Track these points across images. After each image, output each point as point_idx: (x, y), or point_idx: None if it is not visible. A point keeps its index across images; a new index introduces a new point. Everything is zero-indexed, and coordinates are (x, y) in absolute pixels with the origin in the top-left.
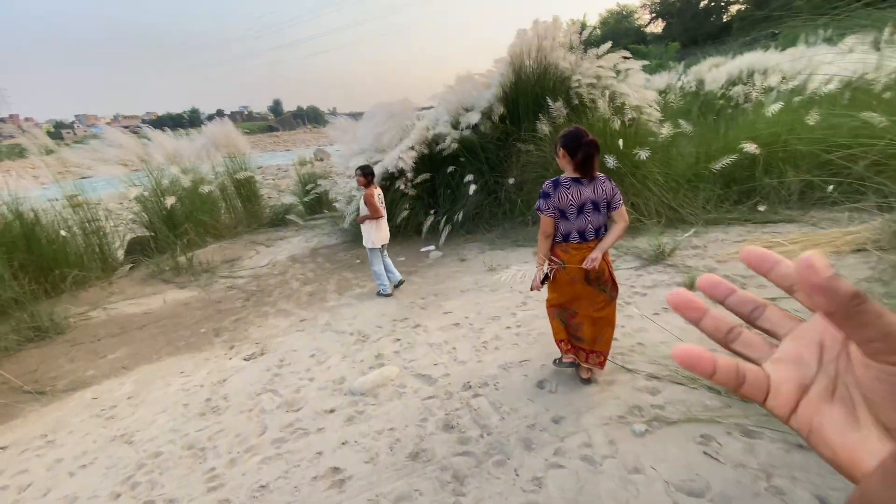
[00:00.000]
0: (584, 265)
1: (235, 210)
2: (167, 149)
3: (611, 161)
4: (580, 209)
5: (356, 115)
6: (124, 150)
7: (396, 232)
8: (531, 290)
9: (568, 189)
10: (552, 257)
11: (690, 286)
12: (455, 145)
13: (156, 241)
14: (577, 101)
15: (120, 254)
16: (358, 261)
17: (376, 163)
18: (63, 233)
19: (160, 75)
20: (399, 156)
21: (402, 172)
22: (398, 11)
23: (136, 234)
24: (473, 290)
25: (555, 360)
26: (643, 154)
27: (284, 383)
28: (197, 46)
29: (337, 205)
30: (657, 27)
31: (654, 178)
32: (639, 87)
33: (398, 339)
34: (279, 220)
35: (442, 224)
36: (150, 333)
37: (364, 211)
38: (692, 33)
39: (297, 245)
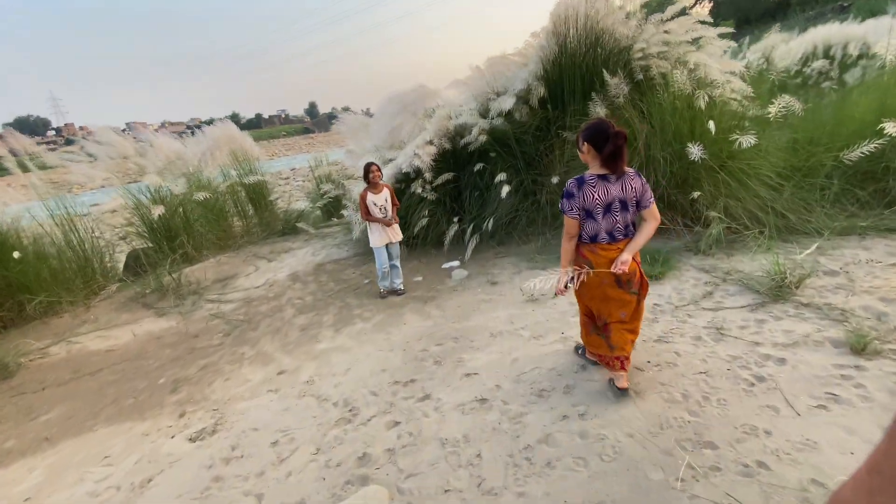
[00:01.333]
0: (613, 269)
1: (247, 217)
2: (166, 153)
3: (696, 151)
4: (607, 208)
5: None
6: (116, 154)
7: (413, 244)
8: (555, 294)
9: (594, 187)
10: (579, 260)
11: (861, 349)
12: (483, 138)
13: (147, 256)
14: (640, 76)
15: (120, 267)
16: (367, 281)
17: (390, 161)
18: (31, 250)
19: (204, 84)
20: (414, 152)
21: (418, 172)
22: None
23: (135, 248)
24: (508, 335)
25: (576, 349)
26: (746, 140)
27: (222, 499)
28: (238, 54)
29: (345, 212)
30: (704, 8)
31: (755, 173)
32: (720, 58)
33: (397, 423)
34: (290, 229)
35: (468, 234)
36: (102, 383)
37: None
38: (745, 13)
39: (302, 259)
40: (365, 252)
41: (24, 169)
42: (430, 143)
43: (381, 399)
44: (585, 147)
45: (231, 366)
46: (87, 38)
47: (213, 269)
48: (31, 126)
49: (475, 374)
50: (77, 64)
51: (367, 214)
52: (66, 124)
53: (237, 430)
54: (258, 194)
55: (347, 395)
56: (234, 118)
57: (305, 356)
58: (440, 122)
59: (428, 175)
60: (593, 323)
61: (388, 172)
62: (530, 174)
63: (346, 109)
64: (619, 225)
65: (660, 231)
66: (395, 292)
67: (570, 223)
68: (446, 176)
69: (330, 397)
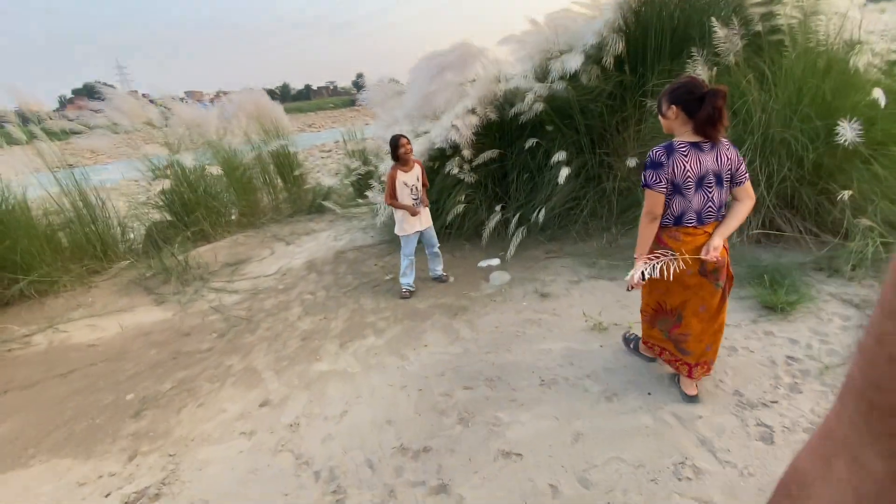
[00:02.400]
0: (704, 255)
1: (276, 191)
2: (186, 121)
3: (849, 130)
4: (700, 182)
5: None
6: (138, 122)
7: (446, 235)
8: (628, 289)
9: (685, 156)
10: (657, 248)
11: None
12: (539, 106)
13: (160, 232)
14: (759, 27)
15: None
16: (389, 276)
17: (423, 134)
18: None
19: (258, 52)
20: (452, 123)
21: (456, 148)
22: None
23: (155, 222)
24: (567, 386)
25: (627, 340)
26: None
27: None
28: (290, 23)
29: (370, 193)
30: None
31: None
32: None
33: None
34: (317, 207)
35: (512, 226)
36: (69, 390)
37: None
38: None
39: (323, 243)
40: (391, 240)
41: (50, 136)
42: (473, 111)
43: (379, 478)
44: (673, 111)
45: (211, 384)
46: (151, 3)
47: (227, 251)
48: (97, 93)
49: (517, 454)
50: (142, 32)
51: (392, 197)
52: (130, 91)
53: (188, 494)
54: (286, 168)
55: (335, 462)
56: (284, 89)
57: (298, 381)
58: (486, 86)
59: (467, 152)
60: (662, 314)
61: (418, 148)
62: (596, 154)
63: (393, 81)
64: (711, 204)
65: (770, 238)
66: (438, 279)
67: (655, 200)
68: (489, 154)
69: (312, 460)
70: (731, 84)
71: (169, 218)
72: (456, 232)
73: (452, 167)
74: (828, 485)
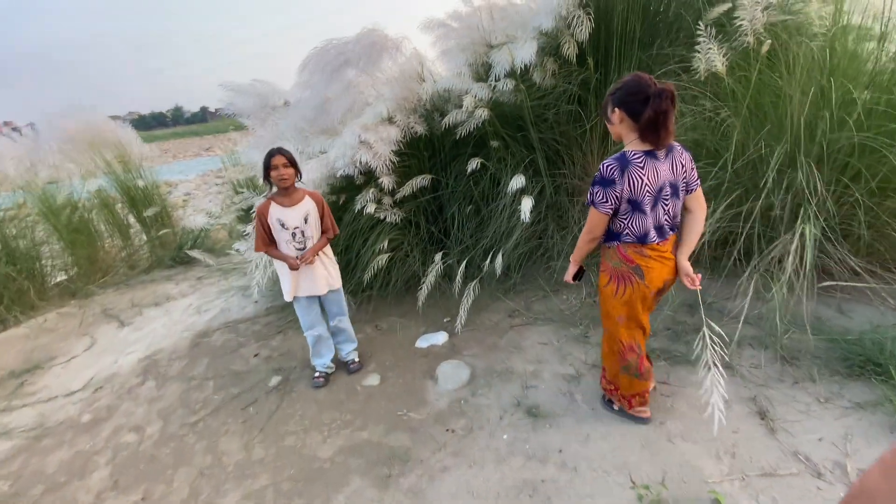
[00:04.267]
0: (691, 286)
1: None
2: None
3: None
4: (657, 196)
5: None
6: None
7: (364, 298)
8: (564, 280)
9: (641, 168)
10: (621, 266)
11: None
12: (484, 114)
13: None
14: None
15: None
16: (275, 380)
17: (318, 155)
18: None
19: (147, 75)
20: (360, 137)
21: (369, 175)
22: None
23: None
24: None
25: (608, 402)
26: None
27: None
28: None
29: (239, 245)
30: None
31: None
32: None
33: None
34: (181, 258)
35: (459, 280)
36: None
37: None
38: None
39: (178, 320)
40: (284, 306)
41: None
42: (390, 120)
43: None
44: (617, 115)
45: None
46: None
47: (20, 345)
48: None
49: None
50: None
51: (266, 243)
52: (4, 122)
53: None
54: (141, 207)
55: None
56: (177, 112)
57: None
58: (406, 86)
59: (387, 180)
60: (632, 352)
61: (311, 176)
62: (554, 177)
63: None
64: (667, 217)
65: (829, 288)
66: (347, 368)
67: (598, 220)
68: (419, 181)
69: None
70: (748, 73)
71: None
72: (378, 291)
73: (366, 202)
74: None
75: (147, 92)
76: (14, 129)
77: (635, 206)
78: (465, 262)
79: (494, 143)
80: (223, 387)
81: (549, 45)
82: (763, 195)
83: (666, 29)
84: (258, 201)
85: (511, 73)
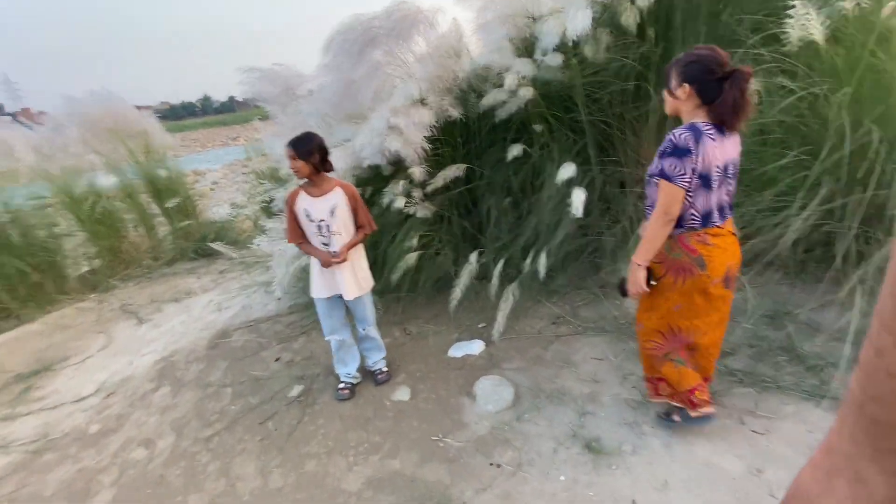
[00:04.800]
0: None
1: (149, 230)
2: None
3: None
4: (724, 173)
5: None
6: None
7: (392, 300)
8: (627, 295)
9: (714, 140)
10: (682, 256)
11: None
12: (528, 94)
13: None
14: None
15: None
16: (298, 388)
17: (342, 144)
18: None
19: (174, 64)
20: (390, 122)
21: (398, 165)
22: None
23: None
24: None
25: (667, 416)
26: None
27: None
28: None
29: (259, 241)
30: None
31: None
32: None
33: None
34: (203, 251)
35: (495, 280)
36: None
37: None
38: None
39: (198, 318)
40: (308, 304)
41: None
42: (422, 102)
43: None
44: (685, 90)
45: None
46: (43, 19)
47: (33, 343)
48: None
49: None
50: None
51: (297, 234)
52: (22, 108)
53: None
54: (166, 197)
55: None
56: (206, 102)
57: None
58: (441, 63)
59: (417, 170)
60: (670, 345)
61: (336, 165)
62: (607, 166)
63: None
64: (728, 196)
65: None
66: (375, 378)
67: (675, 196)
68: (453, 171)
69: None
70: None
71: None
72: (409, 291)
73: (394, 196)
74: (829, 502)
75: (178, 83)
76: (30, 117)
77: (705, 181)
78: (502, 261)
79: (538, 127)
80: (241, 395)
81: (603, 15)
82: (871, 188)
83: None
84: (280, 193)
85: (560, 47)
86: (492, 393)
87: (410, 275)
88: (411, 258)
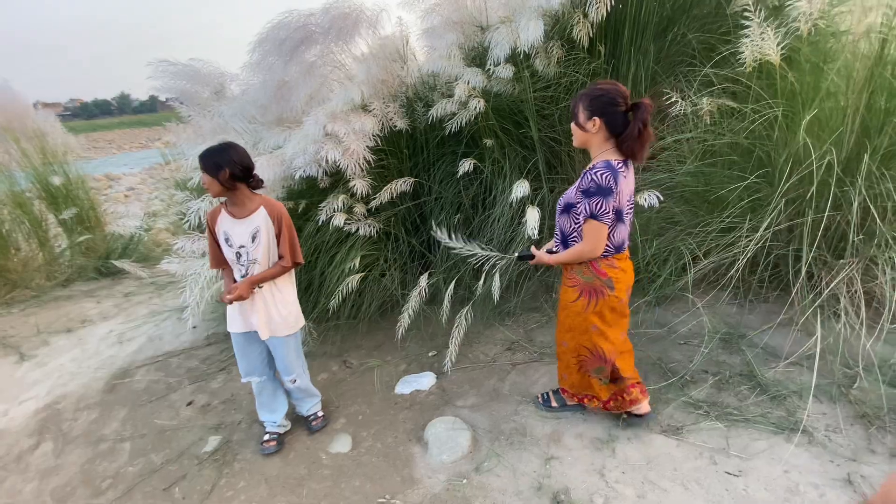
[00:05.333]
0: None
1: (44, 244)
2: None
3: None
4: (630, 206)
5: None
6: None
7: (331, 323)
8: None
9: (625, 177)
10: (594, 280)
11: None
12: (480, 105)
13: None
14: None
15: None
16: (213, 440)
17: (271, 151)
18: None
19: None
20: (326, 128)
21: (336, 178)
22: None
23: None
24: None
25: (546, 400)
26: None
27: None
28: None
29: (168, 263)
30: None
31: None
32: None
33: None
34: (105, 269)
35: (447, 303)
36: None
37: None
38: None
39: (95, 352)
40: (227, 335)
41: None
42: (364, 109)
43: None
44: (594, 123)
45: None
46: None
47: None
48: None
49: None
50: None
51: (218, 259)
52: None
53: None
54: (62, 207)
55: None
56: (123, 100)
57: None
58: (384, 66)
59: (360, 184)
60: (605, 362)
61: (262, 176)
62: (553, 181)
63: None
64: (630, 224)
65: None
66: (308, 425)
67: (603, 233)
68: (400, 185)
69: None
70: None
71: None
72: (350, 317)
73: (333, 212)
74: None
75: (90, 78)
76: None
77: (619, 216)
78: (453, 282)
79: (488, 142)
80: (142, 452)
81: (555, 28)
82: (813, 209)
83: (685, 12)
84: (196, 207)
85: (511, 58)
86: (446, 439)
87: (352, 299)
88: (353, 281)
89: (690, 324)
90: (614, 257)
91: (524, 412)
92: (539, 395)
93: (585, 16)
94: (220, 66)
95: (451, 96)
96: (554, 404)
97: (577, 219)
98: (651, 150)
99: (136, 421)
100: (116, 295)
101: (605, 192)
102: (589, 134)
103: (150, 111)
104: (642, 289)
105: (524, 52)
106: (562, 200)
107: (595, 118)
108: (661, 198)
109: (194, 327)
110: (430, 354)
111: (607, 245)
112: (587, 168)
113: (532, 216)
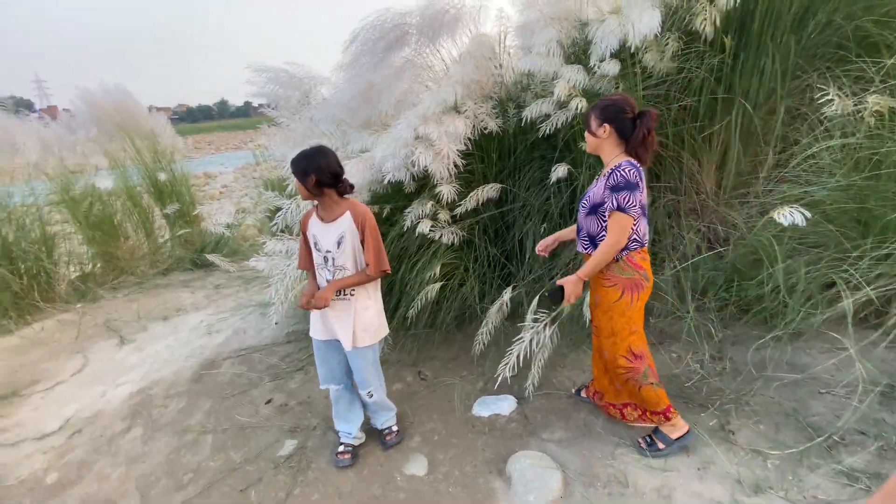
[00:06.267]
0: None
1: (149, 235)
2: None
3: None
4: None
5: None
6: None
7: (407, 331)
8: (558, 304)
9: (642, 177)
10: (634, 275)
11: None
12: (581, 105)
13: None
14: None
15: None
16: (290, 445)
17: (358, 155)
18: None
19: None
20: (417, 132)
21: (422, 182)
22: None
23: None
24: None
25: (652, 445)
26: None
27: None
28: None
29: (257, 261)
30: None
31: None
32: None
33: None
34: (199, 261)
35: (529, 320)
36: None
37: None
38: None
39: (185, 342)
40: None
41: None
42: (457, 110)
43: None
44: (605, 129)
45: None
46: (72, 17)
47: (8, 359)
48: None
49: None
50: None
51: (306, 262)
52: (48, 106)
53: None
54: (168, 202)
55: None
56: (223, 105)
57: None
58: (481, 66)
59: (447, 189)
60: (643, 359)
61: (354, 178)
62: (653, 190)
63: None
64: None
65: None
66: (382, 439)
67: (628, 224)
68: (487, 191)
69: None
70: None
71: None
72: (427, 325)
73: (419, 218)
74: None
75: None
76: (54, 114)
77: (643, 210)
78: (537, 297)
79: (584, 145)
80: (222, 448)
81: (672, 18)
82: None
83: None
84: (286, 208)
85: (617, 54)
86: (532, 477)
87: (429, 308)
88: (432, 290)
89: (834, 368)
90: (642, 250)
91: (624, 457)
92: (641, 440)
93: (712, 2)
94: (312, 70)
95: (544, 96)
96: (661, 447)
97: (604, 217)
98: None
99: (219, 414)
100: (208, 286)
101: (632, 186)
102: (601, 140)
103: (244, 115)
104: (765, 320)
105: (635, 45)
106: (585, 202)
107: (605, 125)
108: (808, 215)
109: (276, 324)
110: (508, 375)
111: (635, 238)
112: (610, 168)
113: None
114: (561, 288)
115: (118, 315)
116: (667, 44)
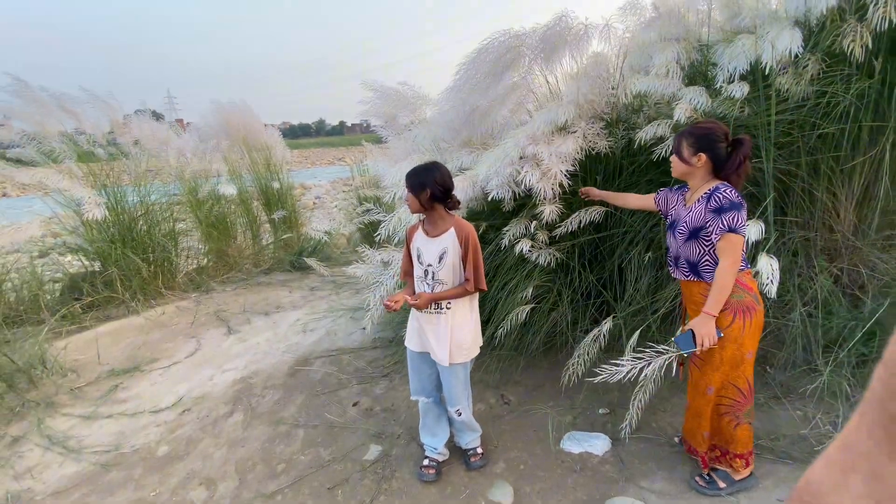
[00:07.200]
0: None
1: (255, 237)
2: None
3: None
4: None
5: None
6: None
7: (495, 352)
8: (690, 351)
9: None
10: (746, 296)
11: None
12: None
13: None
14: None
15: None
16: (376, 450)
17: (461, 173)
18: None
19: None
20: (525, 150)
21: (522, 201)
22: None
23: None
24: None
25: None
26: None
27: None
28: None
29: (355, 268)
30: None
31: None
32: None
33: None
34: (298, 264)
35: (628, 352)
36: None
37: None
38: None
39: (282, 337)
40: (396, 340)
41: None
42: (567, 129)
43: None
44: (700, 158)
45: None
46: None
47: (133, 336)
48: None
49: None
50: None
51: (407, 272)
52: (176, 119)
53: None
54: (273, 208)
55: None
56: (320, 124)
57: None
58: (596, 85)
59: (549, 209)
60: (748, 401)
61: (460, 195)
62: (786, 227)
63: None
64: None
65: None
66: (466, 460)
67: (741, 245)
68: (589, 213)
69: None
70: None
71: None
72: (514, 348)
73: (518, 237)
74: (843, 499)
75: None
76: (182, 127)
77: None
78: (637, 332)
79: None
80: (313, 444)
81: (814, 37)
82: None
83: None
84: (389, 221)
85: (746, 76)
86: None
87: (518, 328)
88: (523, 312)
89: None
90: (749, 271)
91: None
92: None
93: (861, 21)
94: (422, 90)
95: (656, 119)
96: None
97: (707, 241)
98: None
99: (310, 410)
100: (304, 288)
101: (737, 206)
102: (694, 167)
103: (338, 134)
104: None
105: (770, 67)
106: (683, 227)
107: (700, 154)
108: None
109: (364, 329)
110: (600, 412)
111: (743, 258)
112: (705, 192)
113: (768, 266)
114: (690, 332)
115: (227, 307)
116: (805, 66)
